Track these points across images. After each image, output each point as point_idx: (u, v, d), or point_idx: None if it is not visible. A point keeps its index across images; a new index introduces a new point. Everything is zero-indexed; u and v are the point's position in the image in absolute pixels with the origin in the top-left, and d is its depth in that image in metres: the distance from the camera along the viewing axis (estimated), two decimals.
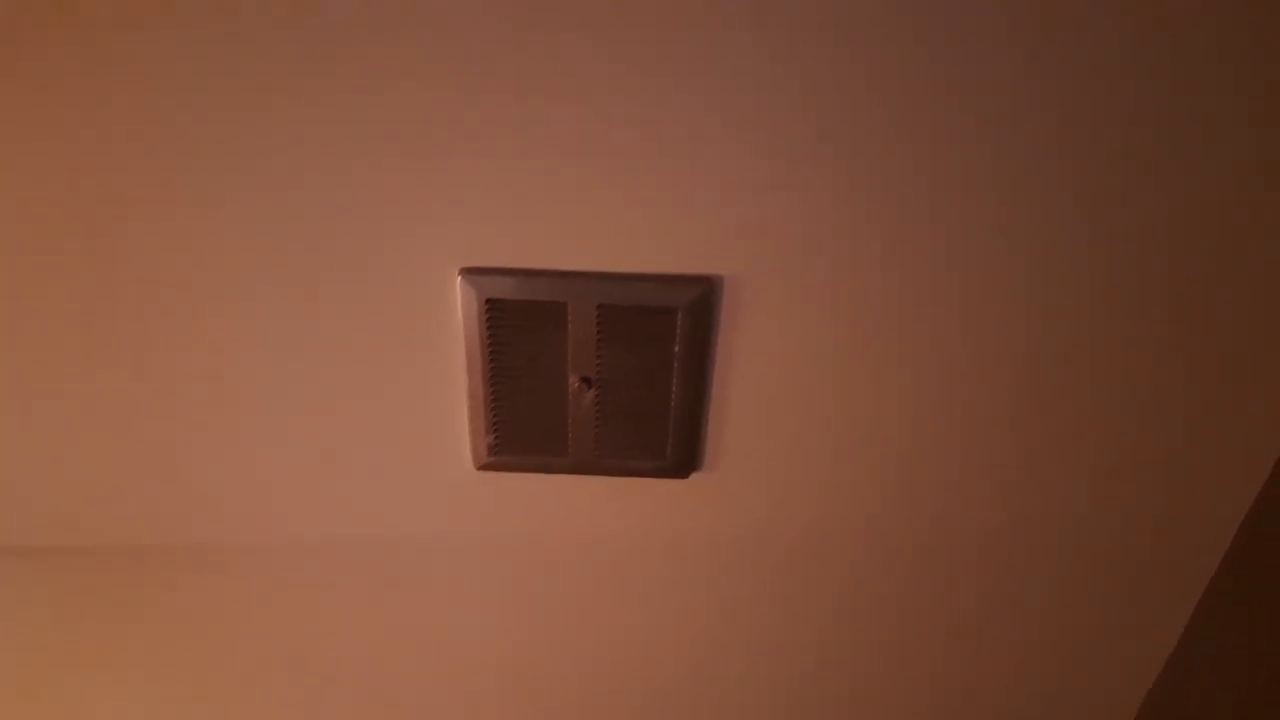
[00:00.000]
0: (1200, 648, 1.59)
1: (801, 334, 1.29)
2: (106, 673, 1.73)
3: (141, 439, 1.39)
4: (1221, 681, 1.53)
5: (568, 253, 1.22)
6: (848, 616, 1.63)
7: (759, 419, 1.37)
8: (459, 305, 1.26)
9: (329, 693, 1.77)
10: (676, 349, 1.28)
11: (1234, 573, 1.51)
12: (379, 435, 1.39)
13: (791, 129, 1.12)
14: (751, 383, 1.34)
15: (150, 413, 1.36)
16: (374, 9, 1.04)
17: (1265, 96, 1.09)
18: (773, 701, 1.78)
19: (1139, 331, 1.28)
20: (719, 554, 1.54)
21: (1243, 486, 1.44)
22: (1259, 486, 1.44)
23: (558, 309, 1.25)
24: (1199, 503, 1.46)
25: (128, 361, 1.31)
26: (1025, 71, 1.07)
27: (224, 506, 1.47)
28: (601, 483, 1.45)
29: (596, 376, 1.31)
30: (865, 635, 1.66)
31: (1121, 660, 1.69)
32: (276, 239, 1.20)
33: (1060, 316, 1.27)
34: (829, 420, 1.37)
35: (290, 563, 1.55)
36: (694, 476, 1.44)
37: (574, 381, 1.31)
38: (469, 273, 1.23)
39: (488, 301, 1.24)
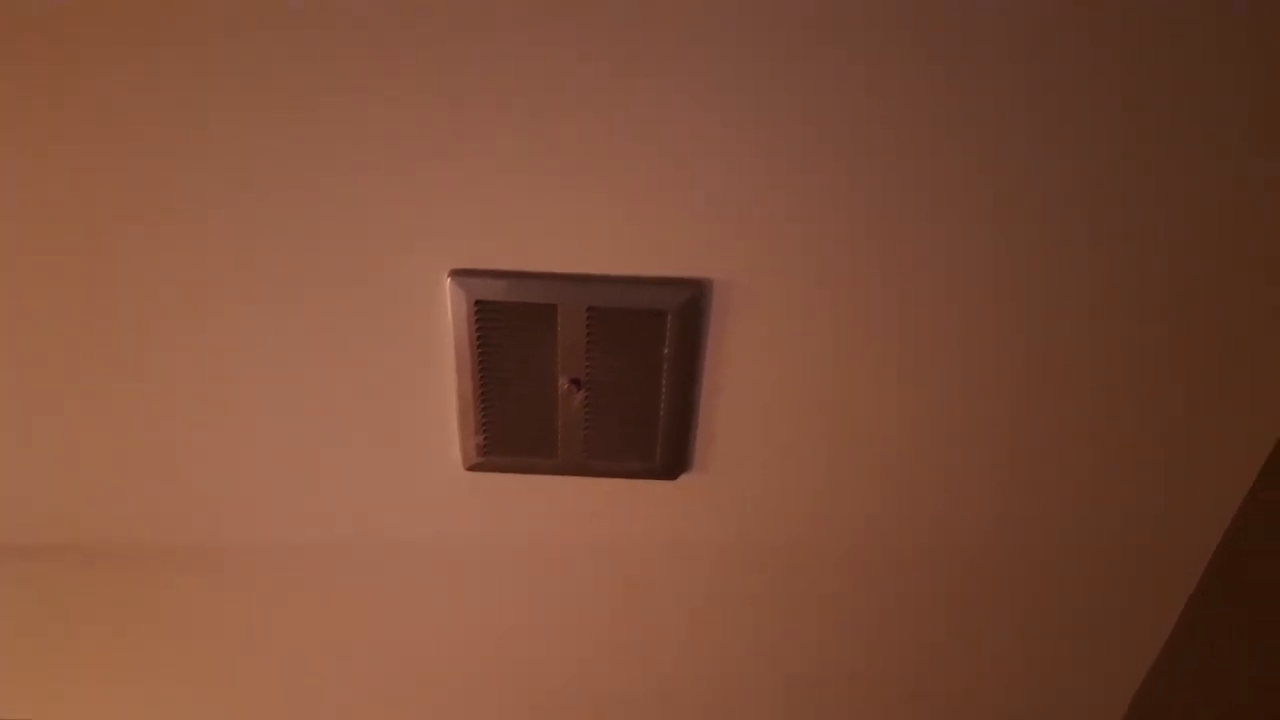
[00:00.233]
0: (1188, 649, 1.60)
1: (791, 337, 1.29)
2: (106, 672, 1.73)
3: (135, 441, 1.39)
4: (1209, 683, 1.53)
5: (558, 255, 1.22)
6: (836, 617, 1.63)
7: (748, 421, 1.37)
8: (449, 307, 1.25)
9: (323, 691, 1.77)
10: (666, 351, 1.28)
11: (1221, 575, 1.51)
12: (369, 436, 1.39)
13: (783, 132, 1.11)
14: (741, 385, 1.34)
15: (145, 414, 1.36)
16: (364, 15, 1.04)
17: (1265, 96, 1.09)
18: (762, 702, 1.79)
19: (1129, 335, 1.28)
20: (708, 555, 1.54)
21: (1231, 489, 1.45)
22: (1246, 489, 1.44)
23: (547, 311, 1.25)
24: (1188, 505, 1.46)
25: (124, 363, 1.31)
26: (1024, 74, 1.07)
27: (216, 507, 1.47)
28: (591, 484, 1.45)
29: (586, 378, 1.31)
30: (853, 636, 1.67)
31: (1109, 661, 1.69)
32: (269, 241, 1.20)
33: (1051, 321, 1.27)
34: (818, 422, 1.37)
35: (279, 563, 1.55)
36: (683, 478, 1.44)
37: (564, 383, 1.31)
38: (459, 274, 1.23)
39: (477, 303, 1.24)
